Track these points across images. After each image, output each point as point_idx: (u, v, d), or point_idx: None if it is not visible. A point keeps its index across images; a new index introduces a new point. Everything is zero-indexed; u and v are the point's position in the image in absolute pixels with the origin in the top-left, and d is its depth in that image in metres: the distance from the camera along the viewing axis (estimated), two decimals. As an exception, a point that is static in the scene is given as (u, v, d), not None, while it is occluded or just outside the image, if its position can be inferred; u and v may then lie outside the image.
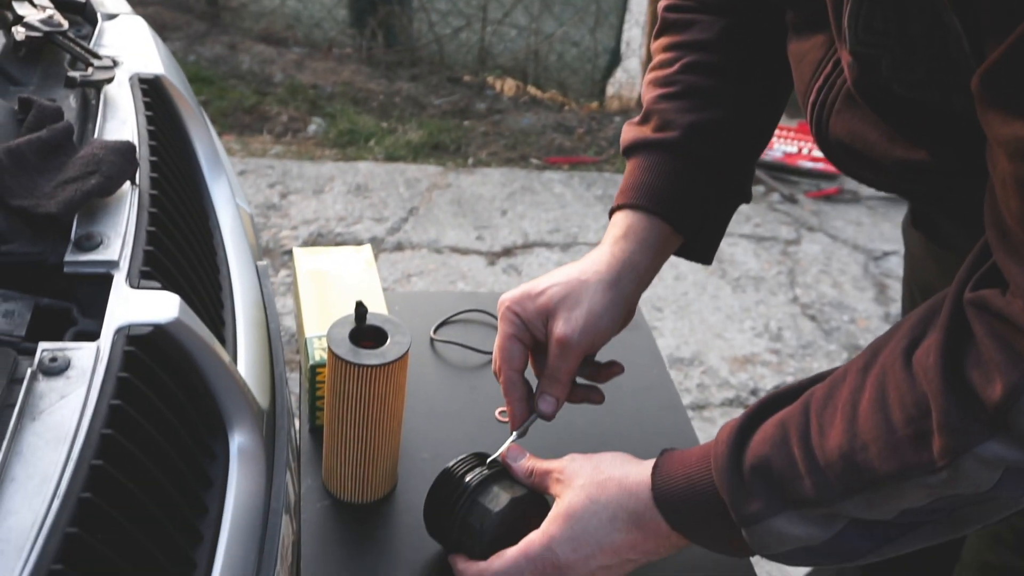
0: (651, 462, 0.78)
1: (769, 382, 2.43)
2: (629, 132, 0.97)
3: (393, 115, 3.73)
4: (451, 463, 0.86)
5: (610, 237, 0.92)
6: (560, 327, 0.86)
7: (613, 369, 0.94)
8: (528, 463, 0.84)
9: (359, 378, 0.82)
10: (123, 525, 0.59)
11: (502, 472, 0.85)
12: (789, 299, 2.80)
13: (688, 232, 0.93)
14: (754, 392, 2.39)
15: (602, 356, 0.96)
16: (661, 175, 0.92)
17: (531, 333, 0.88)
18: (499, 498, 0.82)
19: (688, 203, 0.92)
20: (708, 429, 2.18)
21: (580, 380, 0.94)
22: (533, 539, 0.78)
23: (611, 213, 0.94)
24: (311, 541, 0.88)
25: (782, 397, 0.74)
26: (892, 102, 0.69)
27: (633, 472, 0.77)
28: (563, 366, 0.87)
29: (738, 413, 2.46)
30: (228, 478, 0.75)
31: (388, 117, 3.71)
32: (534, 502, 0.83)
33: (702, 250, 0.97)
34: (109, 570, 0.57)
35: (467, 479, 0.84)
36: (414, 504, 0.93)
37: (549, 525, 0.78)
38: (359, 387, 0.83)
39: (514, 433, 0.89)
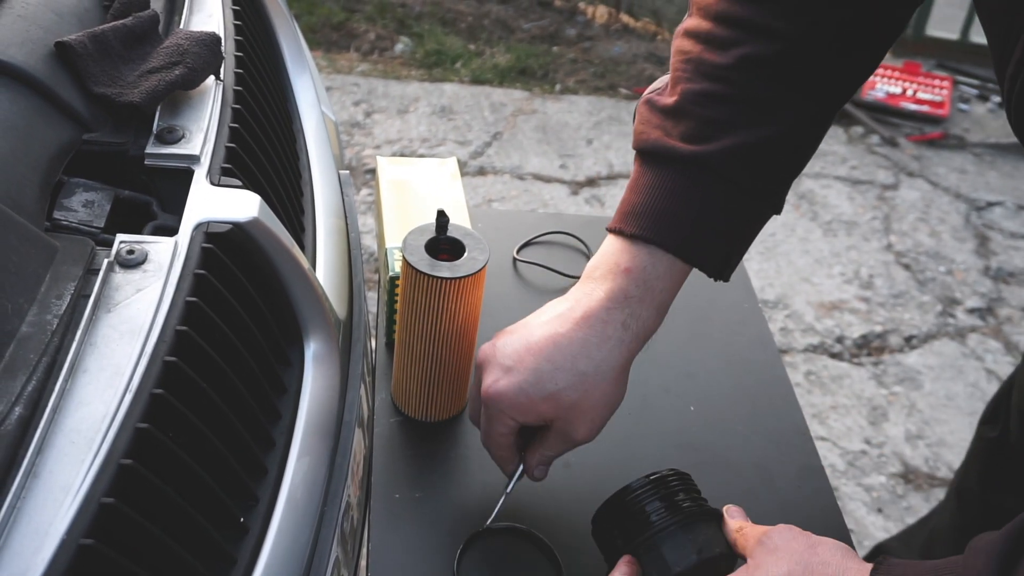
0: (870, 566, 0.63)
1: (856, 330, 2.34)
2: (651, 128, 0.76)
3: (481, 37, 3.65)
4: (636, 484, 0.73)
5: (622, 292, 0.75)
6: (581, 434, 0.76)
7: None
8: (742, 521, 0.71)
9: (429, 290, 0.79)
10: (194, 424, 0.58)
11: (696, 515, 0.72)
12: (883, 246, 2.68)
13: (713, 270, 0.78)
14: (839, 339, 2.30)
15: (698, 291, 0.92)
16: (690, 204, 0.74)
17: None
18: (685, 553, 0.70)
19: (720, 236, 0.76)
20: (791, 375, 2.12)
21: None
22: None
23: (617, 232, 0.77)
24: (382, 456, 0.87)
25: None
26: None
27: (853, 572, 0.63)
28: (564, 453, 0.80)
29: (822, 360, 2.36)
30: (302, 386, 0.74)
31: (476, 39, 3.64)
32: (723, 565, 0.71)
33: (728, 272, 0.80)
34: (179, 468, 0.56)
35: (652, 514, 0.72)
36: (489, 426, 0.90)
37: None
38: (429, 299, 0.79)
39: (508, 489, 0.81)
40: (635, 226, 0.75)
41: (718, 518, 0.73)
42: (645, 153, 0.76)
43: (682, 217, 0.74)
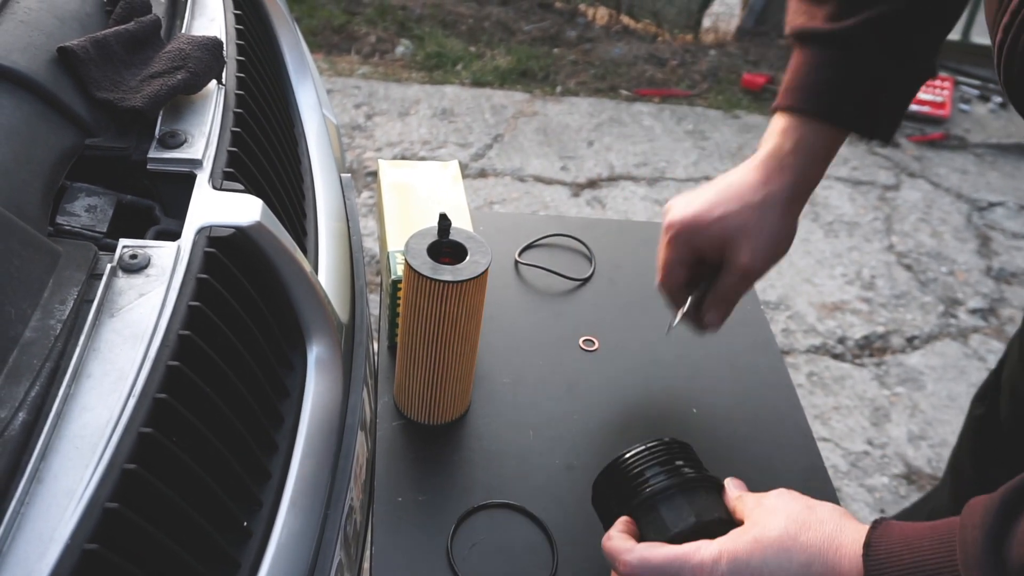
0: (867, 527, 0.64)
1: (859, 331, 2.33)
2: (799, 14, 0.87)
3: (482, 40, 3.65)
4: (636, 449, 0.75)
5: (778, 148, 0.86)
6: (745, 258, 0.85)
7: None
8: (741, 491, 0.73)
9: (431, 293, 0.79)
10: (197, 428, 0.58)
11: (696, 481, 0.73)
12: (884, 247, 2.68)
13: (865, 130, 0.88)
14: (841, 340, 2.30)
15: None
16: (834, 74, 0.85)
17: (698, 256, 0.88)
18: (683, 515, 0.71)
19: (866, 101, 0.86)
20: (793, 376, 2.12)
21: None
22: (702, 547, 0.66)
23: (776, 109, 0.88)
24: (385, 460, 0.87)
25: None
26: None
27: (850, 530, 0.64)
28: (740, 289, 0.88)
29: (824, 361, 2.36)
30: (305, 390, 0.74)
31: (476, 41, 3.64)
32: (721, 530, 0.70)
33: (882, 133, 0.89)
34: (182, 472, 0.56)
35: (651, 478, 0.73)
36: (488, 429, 0.91)
37: (729, 541, 0.66)
38: (430, 303, 0.80)
39: (677, 316, 0.91)
40: (788, 100, 0.86)
41: (719, 487, 0.74)
42: (795, 38, 0.87)
43: (828, 86, 0.84)
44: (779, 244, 0.86)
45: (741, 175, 0.87)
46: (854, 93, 0.85)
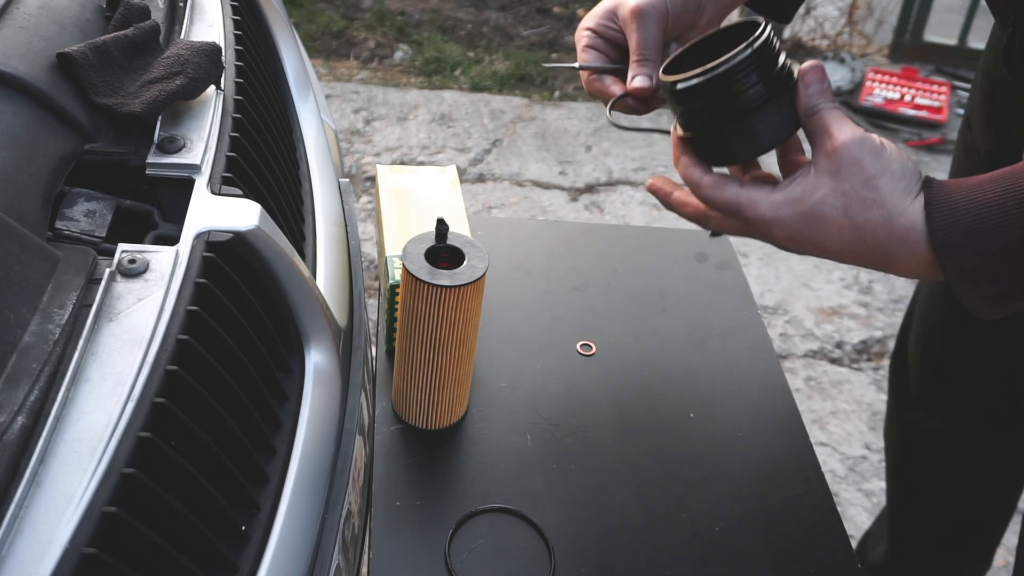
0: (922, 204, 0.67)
1: (856, 336, 2.34)
2: None
3: (480, 45, 3.66)
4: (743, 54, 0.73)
5: None
6: (631, 2, 0.86)
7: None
8: (821, 97, 0.72)
9: (428, 298, 0.79)
10: (196, 432, 0.58)
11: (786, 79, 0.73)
12: (882, 251, 2.68)
13: None
14: (839, 345, 2.30)
15: (698, 296, 0.92)
16: None
17: (605, 40, 0.89)
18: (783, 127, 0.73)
19: None
20: (791, 380, 2.12)
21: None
22: (795, 182, 0.70)
23: None
24: (383, 464, 0.87)
25: None
26: None
27: (911, 210, 0.67)
28: (647, 39, 0.86)
29: (822, 366, 2.37)
30: (303, 394, 0.74)
31: (475, 47, 3.65)
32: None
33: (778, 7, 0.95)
34: (181, 477, 0.56)
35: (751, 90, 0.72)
36: (486, 433, 0.91)
37: (811, 170, 0.69)
38: (427, 307, 0.80)
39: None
40: None
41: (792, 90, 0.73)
42: None
43: None
44: None
45: None
46: None
